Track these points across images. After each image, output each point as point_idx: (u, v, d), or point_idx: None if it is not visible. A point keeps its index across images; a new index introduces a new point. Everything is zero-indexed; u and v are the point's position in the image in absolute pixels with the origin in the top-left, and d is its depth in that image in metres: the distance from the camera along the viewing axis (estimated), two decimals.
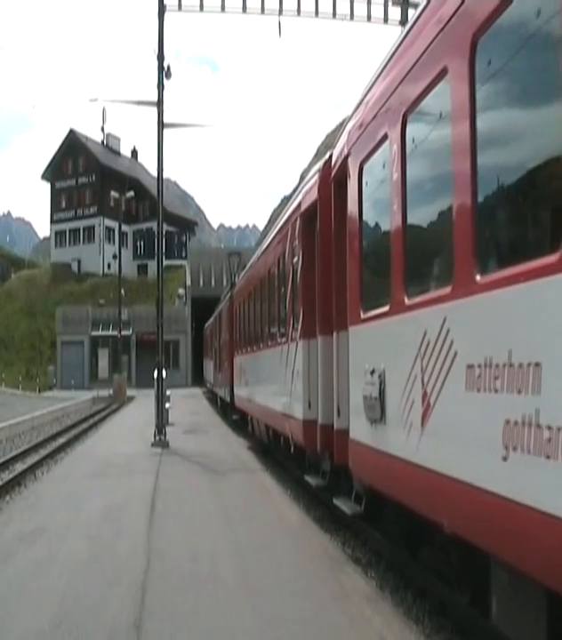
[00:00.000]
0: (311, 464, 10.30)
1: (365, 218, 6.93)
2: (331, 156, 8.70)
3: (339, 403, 8.04)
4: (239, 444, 18.49)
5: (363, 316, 6.68)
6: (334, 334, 8.24)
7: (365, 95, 6.87)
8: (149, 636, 5.16)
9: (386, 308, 5.85)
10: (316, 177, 9.37)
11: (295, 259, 10.48)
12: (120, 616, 5.53)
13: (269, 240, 14.26)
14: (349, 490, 7.94)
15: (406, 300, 5.34)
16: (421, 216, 5.52)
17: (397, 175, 5.59)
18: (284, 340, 11.45)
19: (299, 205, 10.32)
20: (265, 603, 5.82)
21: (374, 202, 6.71)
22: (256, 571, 6.74)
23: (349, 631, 5.14)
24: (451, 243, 4.49)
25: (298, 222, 10.34)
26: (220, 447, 17.39)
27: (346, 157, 7.51)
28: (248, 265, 19.30)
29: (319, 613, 5.53)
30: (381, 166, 6.21)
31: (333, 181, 8.36)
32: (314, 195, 9.36)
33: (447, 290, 4.50)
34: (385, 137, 5.96)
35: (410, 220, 5.50)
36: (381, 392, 5.93)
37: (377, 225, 6.75)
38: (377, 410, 6.02)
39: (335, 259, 8.31)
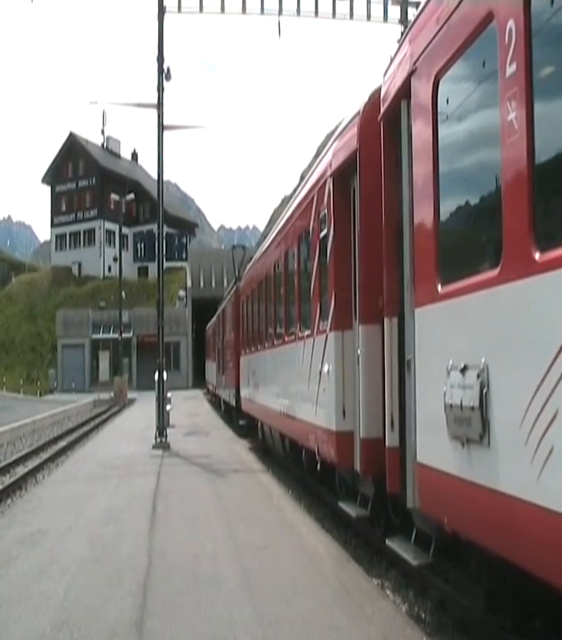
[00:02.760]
0: (344, 485, 8.65)
1: (444, 150, 5.06)
2: (379, 89, 6.84)
3: (393, 411, 6.33)
4: (240, 445, 18.49)
5: (442, 290, 4.90)
6: (386, 321, 6.46)
7: None
8: (151, 636, 5.16)
9: (493, 273, 4.04)
10: (355, 122, 7.64)
11: (323, 232, 8.72)
12: (121, 617, 5.53)
13: (285, 219, 12.43)
14: (401, 523, 6.61)
15: (538, 256, 3.52)
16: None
17: (514, 68, 3.77)
18: (307, 333, 9.79)
19: (329, 164, 8.53)
20: (266, 602, 5.81)
21: (465, 121, 4.85)
22: (257, 570, 6.74)
23: (351, 629, 5.14)
24: None
25: (327, 186, 8.49)
26: (221, 448, 17.39)
27: (409, 77, 5.65)
28: (257, 253, 17.63)
29: (321, 612, 5.52)
30: (479, 67, 4.44)
31: (384, 119, 6.55)
32: (352, 145, 7.57)
33: None
34: (488, 19, 4.13)
35: (541, 128, 3.60)
36: (483, 399, 4.19)
37: (470, 153, 4.91)
38: (475, 425, 4.28)
39: (386, 222, 6.46)
